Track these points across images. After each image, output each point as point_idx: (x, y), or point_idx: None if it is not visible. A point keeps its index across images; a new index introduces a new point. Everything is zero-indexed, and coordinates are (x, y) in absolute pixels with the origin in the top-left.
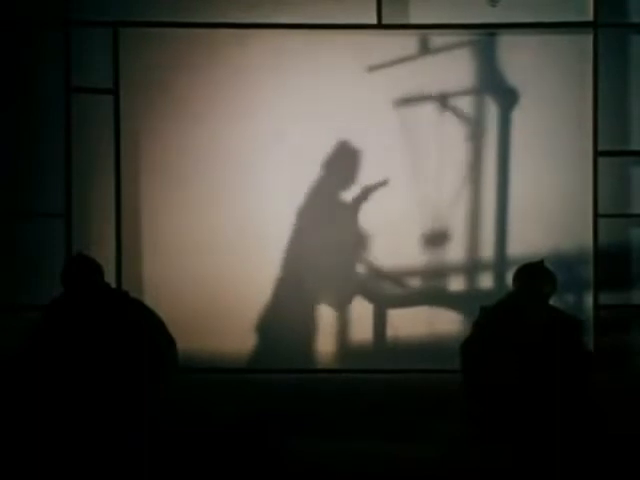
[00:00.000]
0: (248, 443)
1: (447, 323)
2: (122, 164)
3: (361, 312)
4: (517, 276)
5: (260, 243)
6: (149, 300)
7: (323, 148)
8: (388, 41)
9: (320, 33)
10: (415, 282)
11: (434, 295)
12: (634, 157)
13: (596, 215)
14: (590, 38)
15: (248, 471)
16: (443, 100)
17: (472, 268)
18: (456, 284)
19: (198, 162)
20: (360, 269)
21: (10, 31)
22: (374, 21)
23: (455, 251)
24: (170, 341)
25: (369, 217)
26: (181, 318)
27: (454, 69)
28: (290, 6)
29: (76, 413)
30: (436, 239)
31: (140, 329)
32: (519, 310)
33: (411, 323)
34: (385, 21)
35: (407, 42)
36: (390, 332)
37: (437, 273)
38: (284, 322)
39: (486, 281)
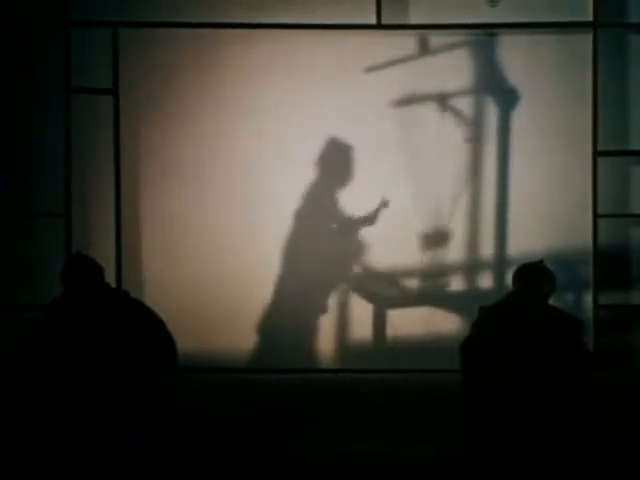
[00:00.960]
0: (248, 443)
1: (446, 323)
2: (122, 165)
3: (361, 312)
4: (517, 276)
5: (261, 243)
6: (149, 300)
7: (323, 149)
8: (387, 41)
9: (319, 33)
10: (415, 282)
11: (433, 295)
12: (634, 157)
13: (596, 215)
14: (590, 38)
15: (248, 471)
16: (443, 100)
17: (472, 268)
18: (456, 284)
19: (199, 163)
20: (360, 269)
21: (10, 31)
22: (373, 21)
23: (455, 251)
24: (170, 341)
25: (368, 216)
26: (181, 318)
27: (454, 69)
28: (289, 6)
29: (76, 413)
30: (436, 239)
31: (140, 329)
32: (519, 310)
33: (411, 323)
34: (384, 21)
35: (406, 42)
36: (390, 332)
37: (437, 273)
38: (284, 322)
39: (486, 281)
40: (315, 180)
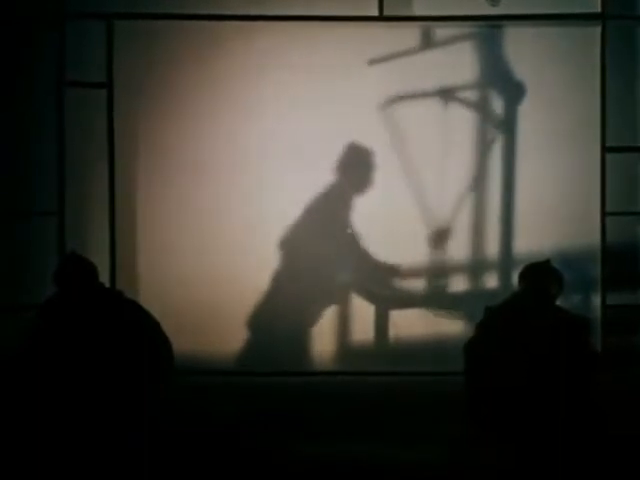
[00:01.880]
0: (246, 446)
1: (450, 324)
2: (116, 161)
3: (362, 313)
4: (523, 276)
5: (258, 242)
6: (144, 300)
7: (324, 144)
8: (390, 34)
9: (319, 26)
10: (417, 282)
11: (437, 295)
12: None
13: (604, 213)
14: (598, 30)
15: (246, 474)
16: (447, 95)
17: (476, 267)
18: (460, 284)
19: (196, 160)
20: (361, 269)
21: (1, 25)
22: (375, 13)
23: (459, 250)
24: (165, 342)
25: (371, 215)
26: (177, 319)
27: (458, 63)
28: None
29: (75, 414)
30: (439, 237)
31: (135, 329)
32: (525, 311)
33: (413, 324)
34: (387, 13)
35: (409, 35)
36: (392, 333)
37: (440, 272)
38: (283, 323)
39: (491, 281)
40: (315, 178)
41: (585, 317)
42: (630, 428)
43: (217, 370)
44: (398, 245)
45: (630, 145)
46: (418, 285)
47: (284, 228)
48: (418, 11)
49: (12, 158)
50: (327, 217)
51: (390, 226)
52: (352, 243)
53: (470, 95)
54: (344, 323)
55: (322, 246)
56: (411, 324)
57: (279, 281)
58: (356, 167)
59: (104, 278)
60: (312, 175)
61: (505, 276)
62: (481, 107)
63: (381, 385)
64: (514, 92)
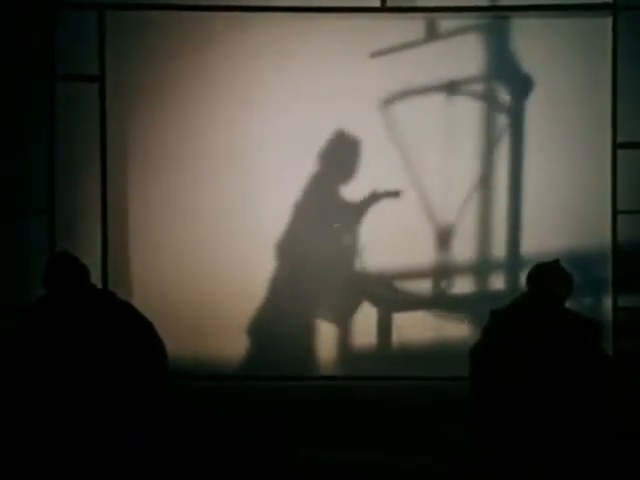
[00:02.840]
0: (245, 451)
1: (455, 328)
2: (109, 157)
3: (364, 316)
4: (530, 277)
5: (256, 241)
6: (137, 302)
7: (323, 140)
8: (393, 25)
9: (320, 17)
10: (421, 284)
11: (441, 298)
12: None
13: (615, 211)
14: (609, 21)
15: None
16: (451, 89)
17: (482, 268)
18: (465, 286)
19: (190, 156)
20: (363, 270)
21: None
22: (377, 4)
23: (464, 250)
24: (159, 345)
25: (372, 215)
26: (171, 321)
27: (463, 56)
28: None
29: (68, 418)
30: (444, 238)
31: (128, 332)
32: (532, 314)
33: (417, 328)
34: (390, 3)
35: (413, 26)
36: (395, 337)
37: (445, 274)
38: (282, 326)
39: (497, 282)
40: (315, 174)
41: (595, 320)
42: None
43: (210, 375)
44: (401, 246)
45: None
46: (422, 287)
47: (282, 227)
48: (422, 2)
49: (1, 154)
50: (327, 214)
51: (393, 226)
52: (354, 242)
53: (476, 89)
54: (346, 326)
55: (322, 245)
56: (415, 327)
57: (278, 283)
58: (356, 164)
59: (96, 279)
60: (311, 172)
61: (512, 278)
62: (487, 102)
63: (384, 390)
64: (522, 86)
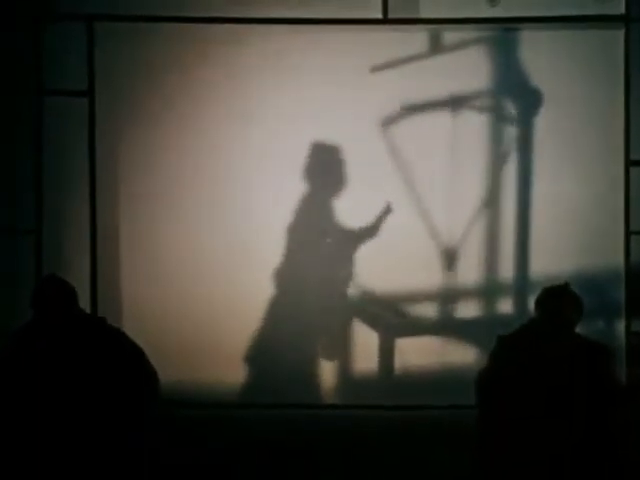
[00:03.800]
0: None
1: (461, 353)
2: (98, 175)
3: (365, 341)
4: (539, 300)
5: (252, 263)
6: (128, 328)
7: (323, 157)
8: (395, 38)
9: (317, 30)
10: (425, 307)
11: (446, 322)
12: None
13: (628, 231)
14: (621, 34)
15: None
16: (456, 104)
17: (489, 291)
18: (471, 309)
19: (183, 174)
20: (363, 293)
21: None
22: (379, 15)
23: (470, 272)
24: (151, 373)
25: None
26: (164, 348)
27: (469, 69)
28: (287, 0)
29: (57, 448)
30: (449, 258)
31: (119, 360)
32: (541, 339)
33: (421, 353)
34: (391, 15)
35: (416, 39)
36: (398, 364)
37: (449, 297)
38: (280, 352)
39: (504, 306)
40: (312, 193)
41: (607, 345)
42: None
43: (204, 403)
44: (404, 267)
45: None
46: (425, 310)
47: (279, 247)
48: (425, 13)
49: None
50: (325, 235)
51: (396, 246)
52: (354, 263)
53: (482, 105)
54: (345, 352)
55: (321, 267)
56: (418, 353)
57: (277, 307)
58: (355, 182)
59: (84, 303)
60: (309, 190)
61: (520, 301)
62: (494, 118)
63: (386, 419)
64: (530, 101)
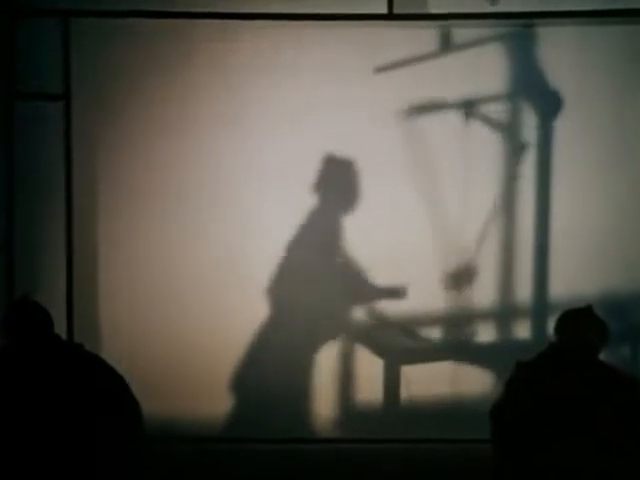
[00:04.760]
0: None
1: (474, 382)
2: (75, 186)
3: (368, 368)
4: (560, 324)
5: (246, 281)
6: (107, 354)
7: (322, 163)
8: (401, 34)
9: (320, 25)
10: (434, 331)
11: (457, 347)
12: None
13: None
14: None
15: None
16: (468, 106)
17: (505, 314)
18: (485, 334)
19: (168, 185)
20: (366, 315)
21: None
22: (384, 10)
23: (484, 293)
24: (133, 404)
25: (377, 250)
26: (147, 376)
27: (482, 68)
28: None
29: None
30: (460, 278)
31: (97, 389)
32: (562, 366)
33: (429, 382)
34: (397, 10)
35: (424, 36)
36: (404, 393)
37: (462, 320)
38: (273, 380)
39: (522, 330)
40: (312, 204)
41: (634, 374)
42: None
43: (190, 437)
44: (412, 286)
45: None
46: (435, 335)
47: (276, 264)
48: (433, 8)
49: None
50: (326, 251)
51: (402, 264)
52: (357, 284)
53: (496, 108)
54: (347, 381)
55: (322, 287)
56: (427, 381)
57: (267, 329)
58: (359, 190)
59: (60, 325)
60: (307, 200)
61: (539, 325)
62: (510, 122)
63: (391, 454)
64: (549, 104)
